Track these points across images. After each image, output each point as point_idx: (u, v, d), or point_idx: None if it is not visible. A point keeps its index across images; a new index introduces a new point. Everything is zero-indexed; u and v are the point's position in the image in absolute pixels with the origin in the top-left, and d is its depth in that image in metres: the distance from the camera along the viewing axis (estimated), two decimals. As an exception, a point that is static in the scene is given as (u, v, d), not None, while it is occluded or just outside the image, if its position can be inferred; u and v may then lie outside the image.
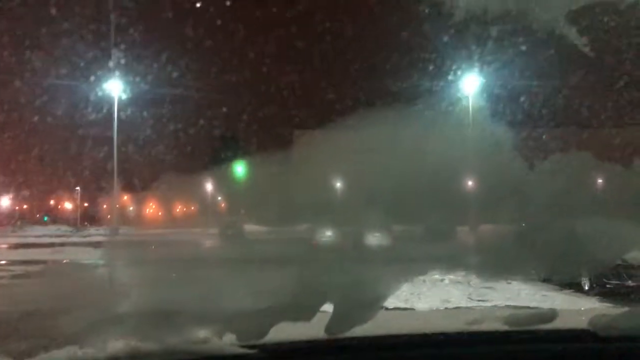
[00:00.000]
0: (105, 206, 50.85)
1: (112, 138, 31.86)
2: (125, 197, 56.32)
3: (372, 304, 4.31)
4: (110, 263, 14.44)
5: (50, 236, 32.56)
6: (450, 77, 24.72)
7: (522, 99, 24.01)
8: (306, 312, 3.87)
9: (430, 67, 25.34)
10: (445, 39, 22.88)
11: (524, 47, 23.32)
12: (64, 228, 42.38)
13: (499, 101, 24.65)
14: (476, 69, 25.69)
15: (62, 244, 24.84)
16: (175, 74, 28.50)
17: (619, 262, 9.09)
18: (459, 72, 25.59)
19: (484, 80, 25.78)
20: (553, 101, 23.38)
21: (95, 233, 34.85)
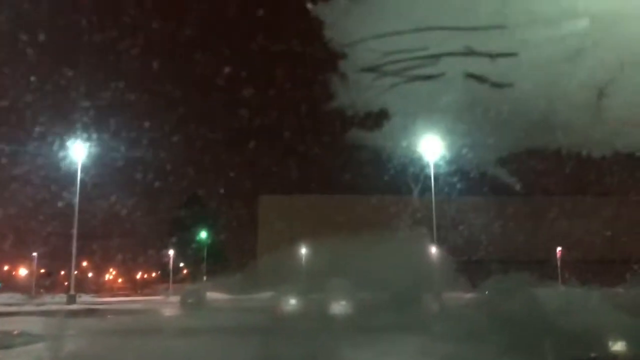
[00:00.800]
0: (63, 272, 49.02)
1: (72, 204, 31.03)
2: (85, 264, 54.47)
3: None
4: (63, 335, 13.76)
5: (2, 305, 30.89)
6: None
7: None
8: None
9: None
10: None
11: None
12: (18, 296, 40.27)
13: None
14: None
15: (14, 314, 23.60)
16: (138, 142, 28.50)
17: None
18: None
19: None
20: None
21: (51, 301, 33.28)
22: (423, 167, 25.88)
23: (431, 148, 26.80)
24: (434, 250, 26.17)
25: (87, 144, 29.52)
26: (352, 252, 23.32)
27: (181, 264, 51.46)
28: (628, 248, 25.20)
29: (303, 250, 34.05)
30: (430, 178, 26.47)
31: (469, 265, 26.98)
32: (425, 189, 26.50)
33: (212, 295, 31.01)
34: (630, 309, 11.64)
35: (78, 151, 30.05)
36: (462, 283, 26.21)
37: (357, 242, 24.39)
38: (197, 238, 47.49)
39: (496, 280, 21.52)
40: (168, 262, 47.08)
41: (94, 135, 28.10)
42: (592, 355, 8.53)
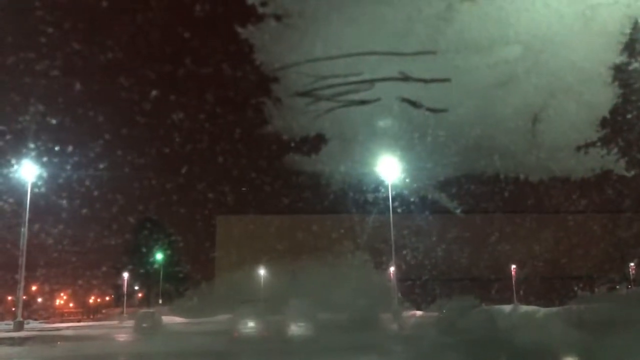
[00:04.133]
0: (10, 298, 46.99)
1: (20, 224, 29.82)
2: (34, 288, 52.36)
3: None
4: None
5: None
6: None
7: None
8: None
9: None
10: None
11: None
12: (-42, 324, 38.04)
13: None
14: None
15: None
16: (95, 160, 27.71)
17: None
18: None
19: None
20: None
21: (-4, 328, 31.79)
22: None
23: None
24: (380, 272, 26.47)
25: (40, 164, 28.58)
26: (309, 273, 23.22)
27: (136, 287, 50.11)
28: (570, 267, 26.13)
29: (261, 271, 33.68)
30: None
31: (414, 290, 27.50)
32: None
33: (168, 318, 30.25)
34: (581, 325, 11.96)
35: (27, 173, 29.04)
36: (407, 306, 26.66)
37: (313, 262, 24.38)
38: (153, 260, 46.37)
39: (442, 303, 22.11)
40: (122, 285, 45.79)
41: (49, 157, 27.28)
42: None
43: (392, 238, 26.31)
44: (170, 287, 43.66)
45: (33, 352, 15.56)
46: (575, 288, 22.52)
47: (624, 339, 9.10)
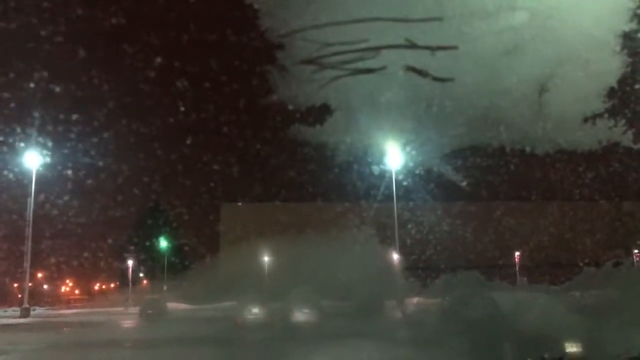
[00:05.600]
0: (16, 285, 47.35)
1: (26, 209, 29.82)
2: (40, 275, 52.71)
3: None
4: (17, 350, 13.31)
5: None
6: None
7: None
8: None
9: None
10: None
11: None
12: (-35, 310, 38.26)
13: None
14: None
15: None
16: (99, 147, 27.55)
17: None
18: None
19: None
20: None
21: (3, 314, 31.99)
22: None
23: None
24: (386, 251, 26.37)
25: (47, 150, 28.41)
26: (314, 259, 23.26)
27: (141, 274, 50.37)
28: (575, 248, 25.85)
29: (265, 258, 33.82)
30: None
31: (418, 265, 27.41)
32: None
33: (173, 305, 30.46)
34: (583, 310, 12.04)
35: (31, 159, 28.97)
36: (411, 284, 26.60)
37: (317, 248, 24.34)
38: (158, 246, 46.54)
39: (450, 283, 21.94)
40: (127, 272, 46.04)
41: (55, 143, 27.07)
42: (546, 356, 8.74)
43: (395, 217, 25.92)
44: (175, 273, 43.88)
45: (40, 338, 15.74)
46: (581, 264, 22.31)
47: (624, 323, 9.17)
